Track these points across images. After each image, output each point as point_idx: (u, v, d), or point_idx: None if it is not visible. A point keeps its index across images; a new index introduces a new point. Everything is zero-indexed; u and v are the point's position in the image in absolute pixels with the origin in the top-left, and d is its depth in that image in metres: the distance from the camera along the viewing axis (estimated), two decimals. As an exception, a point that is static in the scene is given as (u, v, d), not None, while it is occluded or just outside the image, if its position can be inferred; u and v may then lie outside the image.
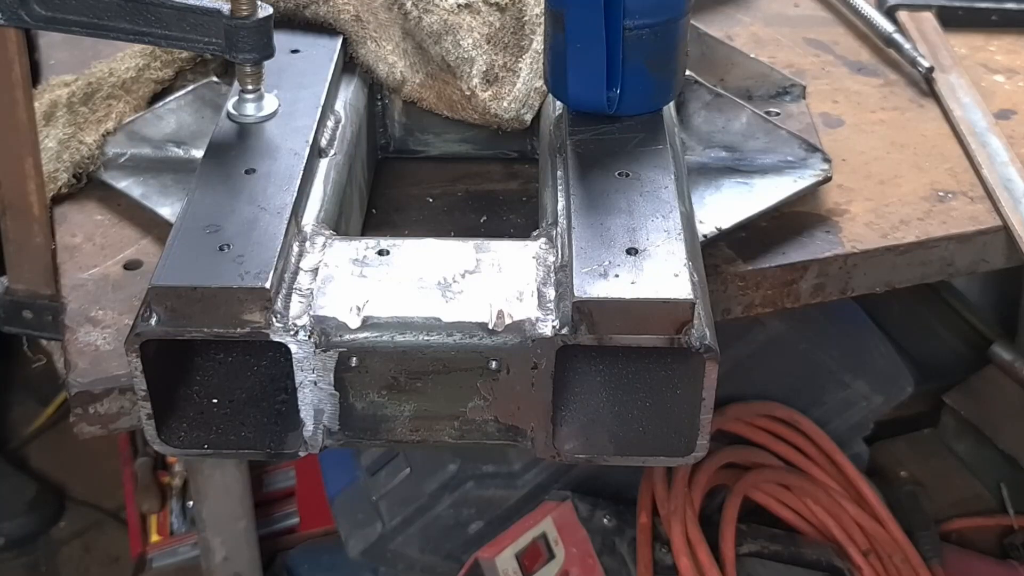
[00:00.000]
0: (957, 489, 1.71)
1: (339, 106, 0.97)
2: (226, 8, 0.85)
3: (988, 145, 1.16)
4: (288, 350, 0.72)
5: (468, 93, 0.99)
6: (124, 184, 1.00)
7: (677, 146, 0.91)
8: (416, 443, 0.78)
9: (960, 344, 1.80)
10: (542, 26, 1.01)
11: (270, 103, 0.91)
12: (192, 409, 0.78)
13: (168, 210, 0.95)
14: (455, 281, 0.75)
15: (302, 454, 0.77)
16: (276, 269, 0.73)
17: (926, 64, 1.26)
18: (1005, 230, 1.07)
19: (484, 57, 0.99)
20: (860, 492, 1.48)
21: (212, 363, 0.81)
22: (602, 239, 0.76)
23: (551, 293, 0.74)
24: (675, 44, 0.89)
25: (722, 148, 1.03)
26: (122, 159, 1.02)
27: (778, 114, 1.12)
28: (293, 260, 0.76)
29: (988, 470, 1.71)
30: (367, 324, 0.73)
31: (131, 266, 0.96)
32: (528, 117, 1.00)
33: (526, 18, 1.02)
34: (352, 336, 0.73)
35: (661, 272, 0.73)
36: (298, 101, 0.91)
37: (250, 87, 0.90)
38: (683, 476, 1.38)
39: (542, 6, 1.02)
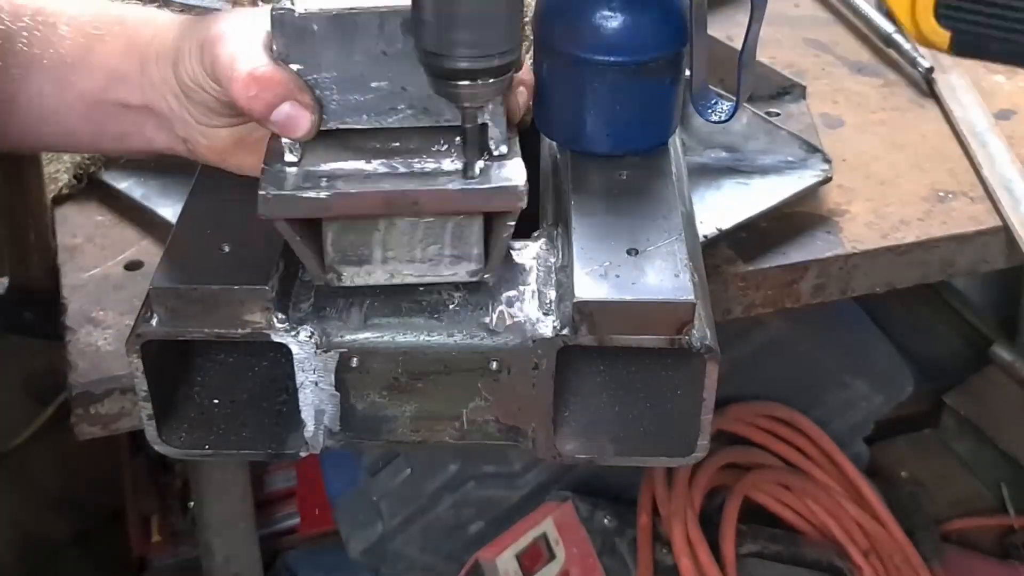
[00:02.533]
0: (957, 489, 1.71)
1: (339, 106, 0.96)
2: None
3: (988, 145, 1.16)
4: (289, 350, 0.72)
5: (468, 93, 0.99)
6: (125, 185, 1.00)
7: (677, 146, 0.91)
8: (417, 443, 0.78)
9: (960, 344, 1.80)
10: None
11: (271, 104, 0.90)
12: (193, 410, 0.78)
13: (169, 210, 0.95)
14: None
15: (303, 455, 0.77)
16: (277, 269, 0.73)
17: (926, 64, 1.26)
18: (1005, 230, 1.07)
19: (484, 57, 0.99)
20: (860, 492, 1.48)
21: (213, 363, 0.81)
22: (602, 239, 0.76)
23: (552, 294, 0.74)
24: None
25: (722, 148, 1.03)
26: (122, 159, 1.02)
27: (778, 114, 1.12)
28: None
29: (988, 470, 1.71)
30: (368, 324, 0.73)
31: (132, 266, 0.96)
32: (528, 118, 1.00)
33: (526, 18, 1.02)
34: (353, 336, 0.73)
35: (662, 272, 0.73)
36: (299, 101, 0.91)
37: (251, 88, 0.89)
38: (683, 476, 1.38)
39: (542, 6, 1.02)
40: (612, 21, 0.80)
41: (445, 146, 0.71)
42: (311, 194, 0.67)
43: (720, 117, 0.89)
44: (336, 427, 0.76)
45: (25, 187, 0.95)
